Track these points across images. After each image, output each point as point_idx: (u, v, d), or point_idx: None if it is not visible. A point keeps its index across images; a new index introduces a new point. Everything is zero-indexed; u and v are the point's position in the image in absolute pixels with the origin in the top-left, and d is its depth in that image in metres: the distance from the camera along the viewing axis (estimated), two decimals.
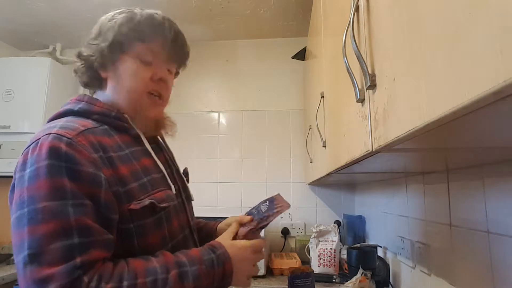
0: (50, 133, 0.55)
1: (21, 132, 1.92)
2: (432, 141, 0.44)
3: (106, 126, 0.65)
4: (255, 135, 2.13)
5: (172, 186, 0.70)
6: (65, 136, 0.55)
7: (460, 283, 0.81)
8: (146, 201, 0.60)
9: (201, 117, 2.19)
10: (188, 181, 0.87)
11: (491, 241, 0.69)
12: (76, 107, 0.66)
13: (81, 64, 0.70)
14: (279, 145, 2.10)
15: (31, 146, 0.55)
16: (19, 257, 0.49)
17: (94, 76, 0.71)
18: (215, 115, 2.20)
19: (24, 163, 0.54)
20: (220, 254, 0.63)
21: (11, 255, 1.72)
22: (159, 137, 0.80)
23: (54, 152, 0.53)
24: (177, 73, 0.82)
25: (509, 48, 0.21)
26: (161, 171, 0.69)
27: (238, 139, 2.15)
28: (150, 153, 0.69)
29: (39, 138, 0.55)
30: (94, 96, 0.71)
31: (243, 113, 2.17)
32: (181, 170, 0.83)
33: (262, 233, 0.88)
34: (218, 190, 2.08)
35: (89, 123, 0.63)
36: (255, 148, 2.12)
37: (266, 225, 0.78)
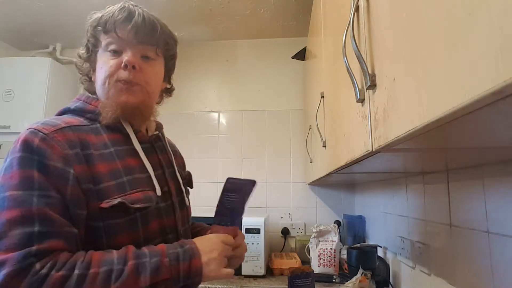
0: (29, 128, 0.59)
1: (21, 132, 1.92)
2: (432, 141, 0.44)
3: (98, 124, 0.67)
4: (255, 135, 2.13)
5: (158, 188, 0.68)
6: (41, 132, 0.58)
7: (460, 283, 0.81)
8: (116, 201, 0.59)
9: (201, 117, 2.19)
10: (191, 186, 0.87)
11: (491, 241, 0.69)
12: (73, 105, 0.70)
13: (79, 72, 0.75)
14: (279, 145, 2.10)
15: (16, 140, 0.59)
16: None
17: (88, 79, 0.74)
18: (215, 115, 2.20)
19: (7, 155, 0.58)
20: (187, 249, 0.61)
21: None
22: (161, 138, 0.79)
23: (27, 146, 0.56)
24: (171, 57, 0.78)
25: (509, 48, 0.21)
26: (147, 172, 0.68)
27: (238, 139, 2.15)
28: (137, 153, 0.69)
29: (21, 133, 0.59)
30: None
31: (243, 113, 2.17)
32: (182, 174, 0.82)
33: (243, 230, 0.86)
34: (218, 190, 2.07)
35: (79, 120, 0.65)
36: (255, 148, 2.12)
37: (237, 213, 0.75)
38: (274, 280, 1.53)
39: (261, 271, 1.55)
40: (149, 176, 0.68)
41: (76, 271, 0.51)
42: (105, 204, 0.59)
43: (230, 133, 2.16)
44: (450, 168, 0.85)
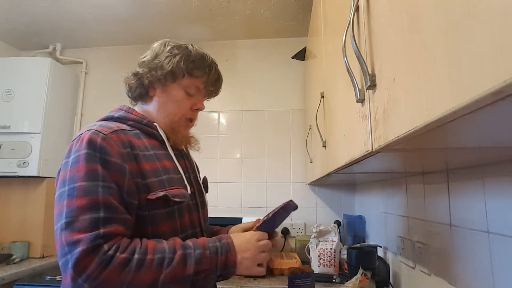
0: (90, 129, 0.69)
1: (21, 132, 1.92)
2: (432, 141, 0.44)
3: (138, 131, 0.78)
4: (255, 135, 2.13)
5: (188, 187, 0.79)
6: (101, 132, 0.68)
7: (460, 283, 0.81)
8: (161, 193, 0.70)
9: (201, 117, 2.17)
10: (207, 190, 0.96)
11: (491, 241, 0.69)
12: (117, 114, 0.81)
13: (135, 81, 0.84)
14: (279, 145, 2.10)
15: (76, 139, 0.68)
16: (57, 225, 0.61)
17: (142, 93, 0.85)
18: (215, 115, 2.20)
19: (69, 152, 0.67)
20: (224, 244, 0.71)
21: (11, 255, 1.72)
22: (183, 147, 0.91)
23: (91, 144, 0.66)
24: None
25: (509, 48, 0.21)
26: (180, 173, 0.80)
27: (238, 139, 2.15)
28: (172, 157, 0.81)
29: (82, 133, 0.69)
30: (135, 107, 0.86)
31: (243, 113, 2.17)
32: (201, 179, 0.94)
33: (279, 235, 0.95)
34: (218, 190, 2.08)
35: (124, 126, 0.76)
36: (255, 148, 2.12)
37: (273, 220, 0.82)
38: (274, 280, 1.53)
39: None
40: (181, 177, 0.80)
41: (136, 256, 0.61)
42: (152, 196, 0.70)
43: (230, 133, 2.16)
44: (450, 168, 0.85)
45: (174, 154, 0.83)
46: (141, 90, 0.84)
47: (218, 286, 1.43)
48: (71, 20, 2.00)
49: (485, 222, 0.71)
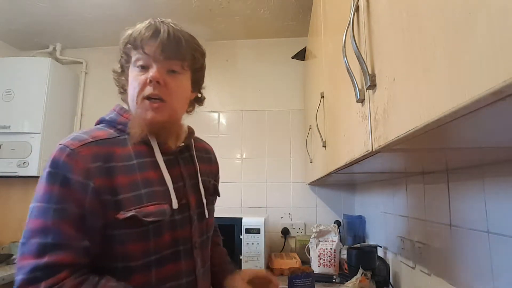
0: (61, 144, 0.65)
1: (21, 132, 1.92)
2: (432, 141, 0.44)
3: (126, 135, 0.71)
4: (255, 135, 2.13)
5: (174, 201, 0.70)
6: (69, 147, 0.63)
7: (460, 283, 0.81)
8: (129, 213, 0.63)
9: (201, 117, 2.19)
10: (218, 194, 0.89)
11: (491, 241, 0.69)
12: (108, 116, 0.75)
13: (116, 84, 0.80)
14: (279, 145, 2.10)
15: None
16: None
17: (124, 91, 0.78)
18: (215, 115, 2.20)
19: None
20: None
21: (11, 255, 1.72)
22: (190, 147, 0.82)
23: (54, 162, 0.62)
24: (198, 70, 0.78)
25: (509, 48, 0.21)
26: (165, 185, 0.70)
27: (238, 139, 2.15)
28: (159, 166, 0.71)
29: (56, 147, 0.65)
30: None
31: (243, 113, 2.17)
32: (207, 184, 0.83)
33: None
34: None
35: (108, 132, 0.70)
36: (255, 148, 2.12)
37: None
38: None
39: None
40: (167, 190, 0.70)
41: None
42: (120, 216, 0.63)
43: (230, 133, 2.16)
44: (450, 168, 0.85)
45: (167, 160, 0.73)
46: (121, 90, 0.79)
47: None
48: (71, 20, 2.00)
49: (485, 222, 0.71)
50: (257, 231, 1.59)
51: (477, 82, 0.24)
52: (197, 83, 0.81)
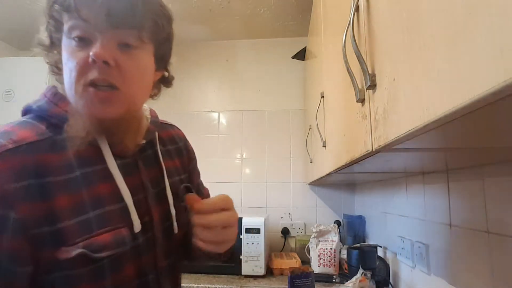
0: None
1: None
2: (432, 141, 0.44)
3: (64, 135, 0.49)
4: (255, 135, 2.13)
5: (137, 222, 0.53)
6: None
7: (460, 283, 0.81)
8: (76, 251, 0.45)
9: (201, 117, 2.19)
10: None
11: (491, 241, 0.69)
12: (36, 105, 0.52)
13: (45, 61, 0.56)
14: (279, 145, 2.10)
15: None
16: None
17: (57, 71, 0.55)
18: (215, 115, 2.20)
19: None
20: None
21: None
22: (153, 143, 0.62)
23: None
24: (163, 41, 0.55)
25: (509, 48, 0.21)
26: (123, 201, 0.52)
27: (238, 139, 2.14)
28: (112, 176, 0.52)
29: None
30: None
31: (243, 113, 2.17)
32: (178, 185, 0.64)
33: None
34: (218, 190, 2.07)
35: (36, 131, 0.49)
36: (255, 148, 2.12)
37: None
38: (274, 280, 1.53)
39: (261, 271, 1.55)
40: (125, 207, 0.52)
41: None
42: (62, 254, 0.45)
43: (230, 133, 2.16)
44: (450, 168, 0.85)
45: (123, 164, 0.54)
46: (53, 69, 0.56)
47: (218, 286, 1.44)
48: None
49: (485, 222, 0.71)
50: (257, 231, 1.59)
51: (477, 82, 0.24)
52: (163, 58, 0.58)
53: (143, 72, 0.53)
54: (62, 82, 0.52)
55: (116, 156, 0.54)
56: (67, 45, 0.49)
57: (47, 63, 0.56)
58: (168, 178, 0.62)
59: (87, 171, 0.50)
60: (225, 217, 0.54)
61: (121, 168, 0.53)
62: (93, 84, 0.48)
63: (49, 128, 0.50)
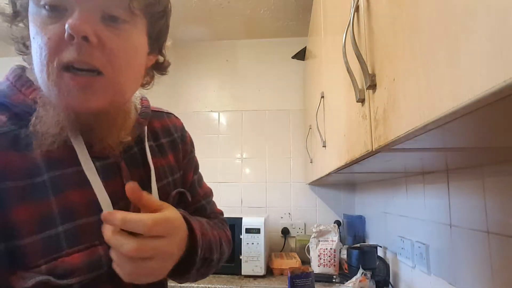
0: None
1: None
2: (431, 141, 0.44)
3: (29, 128, 0.40)
4: (255, 135, 2.13)
5: None
6: None
7: (460, 283, 0.81)
8: (35, 278, 0.36)
9: (201, 117, 2.19)
10: (185, 200, 0.60)
11: (491, 241, 0.69)
12: None
13: (10, 37, 0.46)
14: (279, 145, 2.10)
15: None
16: None
17: (25, 49, 0.46)
18: (215, 115, 2.20)
19: None
20: None
21: None
22: (142, 140, 0.52)
23: None
24: (158, 16, 0.46)
25: (509, 48, 0.21)
26: (101, 211, 0.41)
27: (238, 139, 2.14)
28: (88, 180, 0.42)
29: None
30: None
31: (243, 113, 2.17)
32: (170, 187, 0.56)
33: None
34: (218, 190, 2.08)
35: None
36: (255, 148, 2.12)
37: None
38: (274, 280, 1.53)
39: (261, 271, 1.55)
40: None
41: None
42: (18, 282, 0.36)
43: (230, 133, 2.16)
44: (450, 168, 0.85)
45: (102, 166, 0.45)
46: (18, 46, 0.46)
47: (218, 286, 1.44)
48: None
49: (485, 222, 0.71)
50: (257, 231, 1.59)
51: (477, 82, 0.24)
52: (158, 39, 0.48)
53: (133, 53, 0.43)
54: (31, 64, 0.43)
55: (94, 156, 0.44)
56: (35, 15, 0.38)
57: (12, 39, 0.46)
58: (157, 181, 0.52)
59: (57, 174, 0.40)
60: (149, 247, 0.39)
61: (101, 171, 0.44)
62: (69, 67, 0.38)
63: (10, 120, 0.40)
